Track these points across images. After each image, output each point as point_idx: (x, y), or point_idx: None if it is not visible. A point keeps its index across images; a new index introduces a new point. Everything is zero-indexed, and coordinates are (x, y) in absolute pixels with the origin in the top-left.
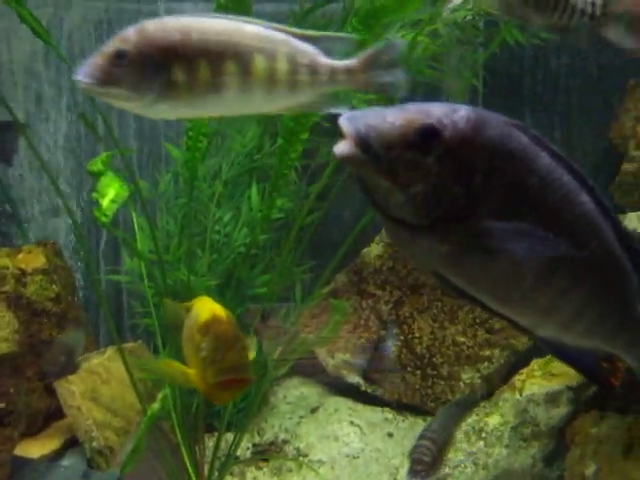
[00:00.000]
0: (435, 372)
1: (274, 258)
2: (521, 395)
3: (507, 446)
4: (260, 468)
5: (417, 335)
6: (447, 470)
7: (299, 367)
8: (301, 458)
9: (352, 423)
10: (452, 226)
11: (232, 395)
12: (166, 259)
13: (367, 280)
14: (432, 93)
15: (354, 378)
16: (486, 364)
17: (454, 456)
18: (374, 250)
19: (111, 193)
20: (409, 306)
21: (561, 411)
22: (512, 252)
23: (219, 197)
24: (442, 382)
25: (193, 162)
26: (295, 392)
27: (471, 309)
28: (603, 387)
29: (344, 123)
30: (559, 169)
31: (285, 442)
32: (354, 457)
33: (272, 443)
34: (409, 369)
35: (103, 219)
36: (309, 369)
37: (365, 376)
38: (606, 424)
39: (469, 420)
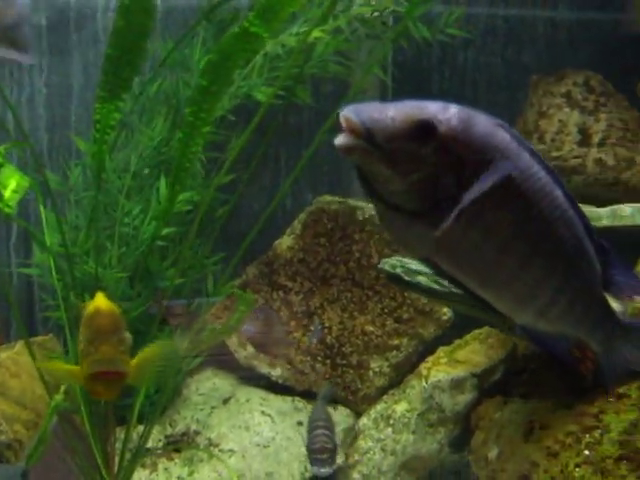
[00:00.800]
0: (345, 361)
1: (183, 251)
2: (427, 382)
3: (414, 432)
4: (172, 459)
5: (327, 325)
6: (356, 457)
7: (212, 359)
8: (212, 448)
9: (263, 413)
10: (444, 212)
11: (109, 389)
12: (74, 252)
13: (278, 272)
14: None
15: (265, 368)
16: (395, 353)
17: (363, 443)
18: (285, 242)
19: (12, 184)
20: (319, 297)
21: (466, 397)
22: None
23: (128, 190)
24: (351, 371)
25: (100, 154)
26: (208, 384)
27: (380, 299)
28: (575, 376)
29: (348, 116)
30: (536, 165)
31: (197, 433)
32: (265, 446)
33: (184, 434)
34: (319, 359)
35: (7, 210)
36: (222, 361)
37: (254, 343)
38: (509, 409)
39: (378, 407)
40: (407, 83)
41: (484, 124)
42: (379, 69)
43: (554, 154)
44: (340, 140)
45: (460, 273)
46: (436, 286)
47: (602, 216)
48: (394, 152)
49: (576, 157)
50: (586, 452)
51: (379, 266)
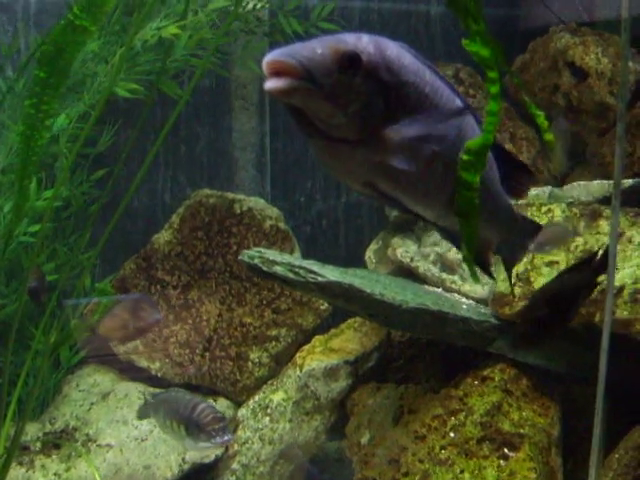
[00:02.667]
0: (224, 353)
1: (58, 247)
2: (302, 371)
3: (290, 420)
4: (49, 456)
5: (205, 318)
6: (236, 447)
7: (93, 355)
8: (90, 443)
9: None
10: (380, 136)
11: None
12: None
13: (156, 266)
14: None
15: (144, 362)
16: (274, 343)
17: (242, 433)
18: (163, 236)
19: None
20: (197, 290)
21: (340, 384)
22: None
23: None
24: (230, 363)
25: None
26: (88, 380)
27: (258, 291)
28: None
29: (281, 59)
30: (436, 77)
31: (75, 429)
32: (142, 440)
33: (63, 431)
34: (197, 351)
35: None
36: (102, 356)
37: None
38: (381, 394)
39: (256, 398)
40: None
41: (392, 47)
42: (255, 64)
43: None
44: (277, 84)
45: (397, 191)
46: (292, 275)
47: None
48: (333, 87)
49: None
50: (451, 434)
51: (239, 257)
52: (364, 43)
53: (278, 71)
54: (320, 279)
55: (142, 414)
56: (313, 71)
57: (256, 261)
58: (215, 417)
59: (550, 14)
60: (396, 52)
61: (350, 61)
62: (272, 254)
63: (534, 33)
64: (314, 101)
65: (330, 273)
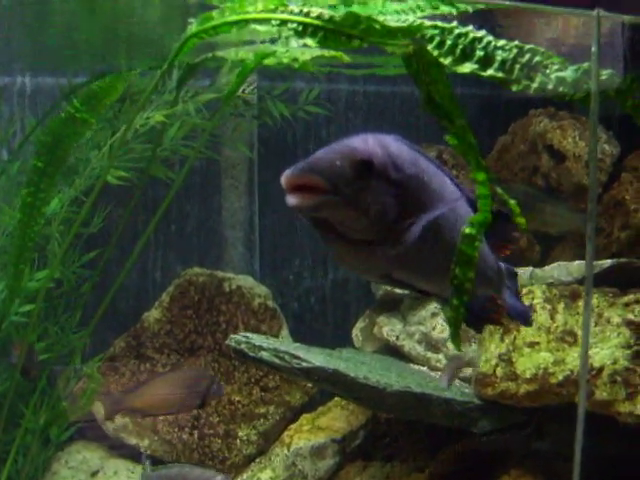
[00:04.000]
0: (212, 431)
1: (49, 327)
2: (289, 450)
3: None
4: None
5: None
6: None
7: (82, 432)
8: None
9: None
10: (395, 232)
11: None
12: None
13: (146, 344)
14: None
15: (133, 440)
16: (262, 421)
17: None
18: (153, 314)
19: None
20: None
21: (327, 462)
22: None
23: None
24: (219, 440)
25: None
26: (77, 456)
27: (246, 369)
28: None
29: (302, 175)
30: (430, 163)
31: None
32: None
33: None
34: (187, 430)
35: None
36: (92, 433)
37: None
38: (367, 474)
39: (245, 476)
40: (272, 157)
41: (392, 142)
42: (245, 145)
43: None
44: (304, 201)
45: (411, 277)
46: (277, 360)
47: None
48: (354, 194)
49: None
50: None
51: (226, 342)
52: (371, 145)
53: (301, 187)
54: (305, 364)
55: None
56: (336, 183)
57: (243, 346)
58: None
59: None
60: (396, 147)
61: (365, 167)
62: (259, 339)
63: (517, 111)
64: (339, 210)
65: (315, 358)
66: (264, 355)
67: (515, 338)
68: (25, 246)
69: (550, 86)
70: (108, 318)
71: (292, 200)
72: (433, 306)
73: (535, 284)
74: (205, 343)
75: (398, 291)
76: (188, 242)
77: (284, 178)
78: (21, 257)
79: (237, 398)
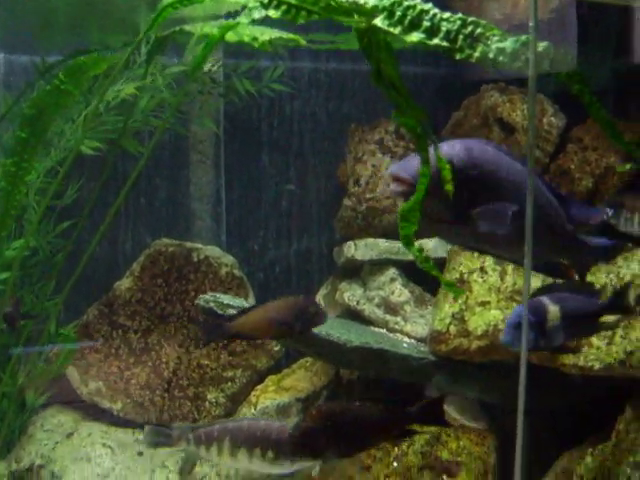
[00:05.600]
0: (182, 394)
1: (24, 294)
2: (255, 408)
3: None
4: None
5: (164, 360)
6: None
7: (57, 396)
8: None
9: (104, 445)
10: (468, 216)
11: None
12: None
13: (118, 312)
14: None
15: (107, 404)
16: (229, 384)
17: (200, 469)
18: (124, 283)
19: None
20: (157, 334)
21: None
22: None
23: None
24: (189, 403)
25: None
26: (53, 420)
27: None
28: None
29: (400, 174)
30: (513, 161)
31: (41, 467)
32: (105, 476)
33: (29, 469)
34: (157, 392)
35: None
36: (66, 397)
37: None
38: None
39: None
40: (238, 133)
41: (476, 146)
42: (211, 122)
43: (368, 195)
44: (395, 189)
45: (487, 247)
46: None
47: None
48: (434, 188)
49: (388, 198)
50: (394, 464)
51: (196, 301)
52: (456, 150)
53: (398, 179)
54: None
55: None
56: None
57: (211, 305)
58: None
59: (485, 71)
60: (479, 149)
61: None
62: (227, 298)
63: (472, 89)
64: (432, 198)
65: None
66: (232, 312)
67: (468, 298)
68: (8, 213)
69: (491, 55)
70: (81, 287)
71: (392, 187)
72: (392, 271)
73: None
74: (175, 310)
75: (359, 257)
76: (158, 214)
77: (389, 172)
78: (3, 225)
79: (206, 362)
